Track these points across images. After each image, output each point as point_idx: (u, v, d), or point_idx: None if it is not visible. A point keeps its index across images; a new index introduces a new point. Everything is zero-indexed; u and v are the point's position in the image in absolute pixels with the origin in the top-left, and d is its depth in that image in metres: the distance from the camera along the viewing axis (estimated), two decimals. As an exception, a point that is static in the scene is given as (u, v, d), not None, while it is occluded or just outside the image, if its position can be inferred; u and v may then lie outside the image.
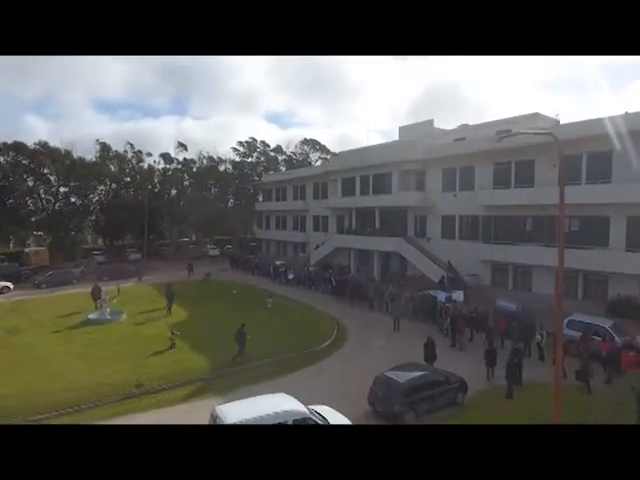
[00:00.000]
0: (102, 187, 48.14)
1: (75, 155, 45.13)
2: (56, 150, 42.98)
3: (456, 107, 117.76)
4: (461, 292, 20.92)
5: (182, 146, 55.03)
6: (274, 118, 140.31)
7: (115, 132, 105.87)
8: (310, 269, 31.77)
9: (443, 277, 24.07)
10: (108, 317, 21.27)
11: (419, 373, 12.13)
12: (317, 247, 37.39)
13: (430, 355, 14.51)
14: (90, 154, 47.70)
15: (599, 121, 19.94)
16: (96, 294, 24.09)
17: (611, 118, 19.42)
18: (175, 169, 55.07)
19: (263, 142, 61.01)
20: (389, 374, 11.87)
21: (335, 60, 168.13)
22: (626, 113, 19.39)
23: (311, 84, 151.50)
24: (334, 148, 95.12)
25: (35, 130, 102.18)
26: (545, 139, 21.82)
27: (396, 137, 37.93)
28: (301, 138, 64.00)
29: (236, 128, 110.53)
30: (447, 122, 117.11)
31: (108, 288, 25.81)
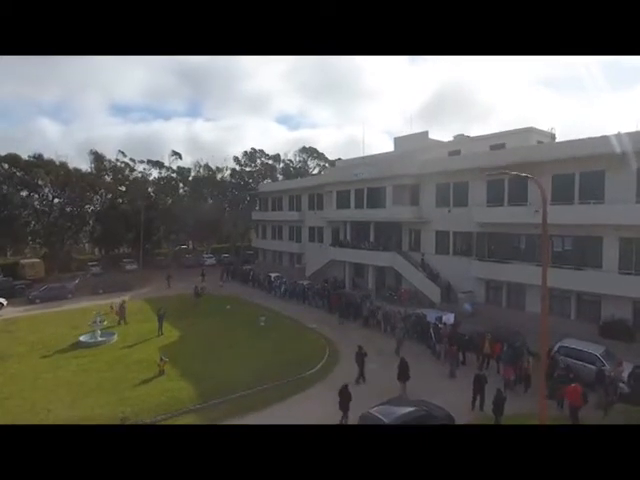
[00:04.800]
0: (97, 197, 48.08)
1: (70, 166, 45.27)
2: (50, 162, 42.98)
3: (463, 108, 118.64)
4: (452, 314, 20.73)
5: (176, 154, 55.35)
6: (284, 119, 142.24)
7: (126, 134, 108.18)
8: (305, 283, 31.58)
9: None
10: (99, 339, 21.14)
11: (405, 410, 11.94)
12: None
13: (403, 374, 14.99)
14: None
15: (590, 141, 19.85)
16: (122, 312, 24.98)
17: (602, 138, 19.32)
18: (170, 177, 55.16)
19: (261, 151, 61.14)
20: (374, 412, 11.70)
21: (345, 63, 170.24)
22: (618, 133, 19.24)
23: (322, 86, 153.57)
24: (342, 149, 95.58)
25: (46, 132, 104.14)
26: (537, 158, 21.86)
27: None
28: (309, 139, 64.74)
29: (246, 129, 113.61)
30: (453, 123, 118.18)
31: (101, 304, 25.94)
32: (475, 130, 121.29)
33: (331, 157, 62.79)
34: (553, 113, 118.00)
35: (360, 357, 16.34)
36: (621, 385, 12.48)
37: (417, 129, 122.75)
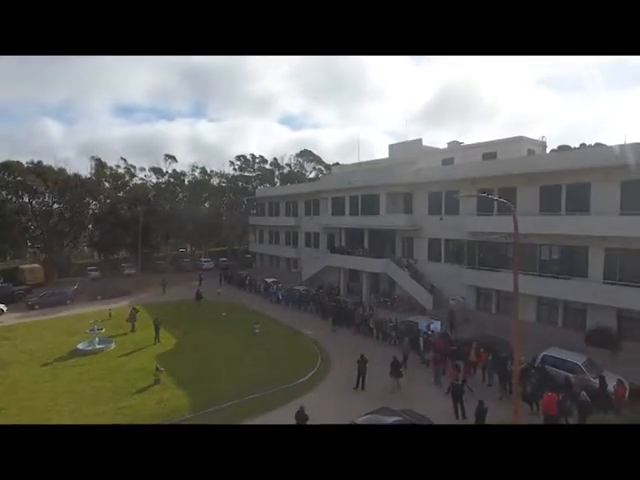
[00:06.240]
0: (96, 203, 48.63)
1: (69, 172, 45.84)
2: (50, 168, 43.50)
3: (465, 108, 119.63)
4: (438, 322, 21.21)
5: (171, 158, 56.09)
6: (287, 120, 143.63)
7: (130, 134, 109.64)
8: (300, 289, 32.07)
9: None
10: (97, 347, 21.57)
11: (390, 420, 12.40)
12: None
13: (395, 371, 16.42)
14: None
15: (576, 153, 20.37)
16: (133, 319, 25.32)
17: (588, 150, 19.81)
18: (167, 182, 55.73)
19: (261, 157, 61.76)
20: (360, 422, 12.15)
21: (348, 64, 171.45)
22: (603, 146, 19.72)
23: (325, 87, 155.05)
24: (344, 149, 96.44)
25: (50, 132, 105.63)
26: (525, 169, 22.38)
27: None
28: (312, 140, 65.52)
29: (249, 130, 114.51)
30: (456, 123, 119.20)
31: (101, 309, 26.30)
32: (477, 130, 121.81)
33: (334, 158, 63.79)
34: (556, 113, 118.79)
35: (362, 365, 16.89)
36: (583, 393, 12.94)
37: (420, 130, 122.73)
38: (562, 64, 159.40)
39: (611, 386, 13.74)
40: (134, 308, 26.56)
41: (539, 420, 13.02)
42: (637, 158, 17.55)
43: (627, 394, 13.22)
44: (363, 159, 39.90)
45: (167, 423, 14.11)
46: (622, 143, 19.51)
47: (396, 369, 16.55)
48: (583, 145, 46.52)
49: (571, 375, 14.98)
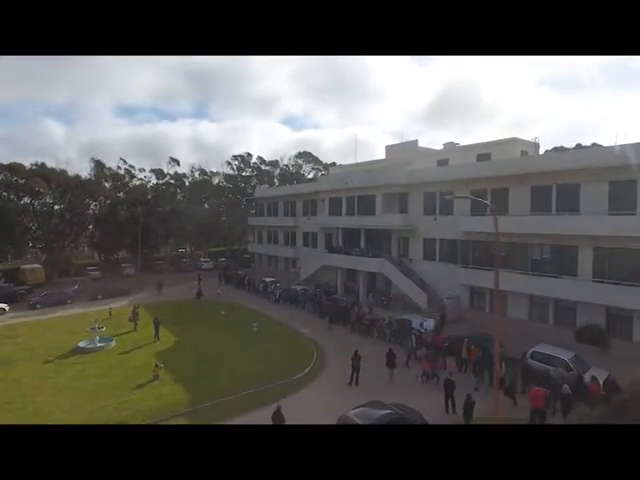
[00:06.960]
0: (96, 203, 49.13)
1: (71, 172, 46.37)
2: (52, 170, 44.06)
3: (467, 108, 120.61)
4: (431, 320, 21.65)
5: (174, 161, 56.56)
6: (288, 121, 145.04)
7: (132, 135, 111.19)
8: (298, 289, 32.53)
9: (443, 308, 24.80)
10: (98, 345, 22.02)
11: (381, 413, 12.82)
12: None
13: (391, 363, 17.34)
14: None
15: (566, 155, 20.81)
16: (135, 318, 25.77)
17: (577, 152, 20.25)
18: (168, 183, 56.23)
19: (260, 157, 62.29)
20: (351, 415, 12.57)
21: (351, 64, 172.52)
22: (592, 147, 20.17)
23: (327, 88, 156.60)
24: (345, 149, 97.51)
25: (52, 133, 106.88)
26: (517, 170, 22.84)
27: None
28: (313, 140, 66.32)
29: (251, 130, 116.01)
30: (457, 123, 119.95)
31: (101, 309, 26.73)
32: (478, 130, 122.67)
33: (335, 158, 64.62)
34: (556, 113, 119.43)
35: (356, 361, 17.34)
36: (565, 386, 13.39)
37: (421, 130, 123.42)
38: (562, 64, 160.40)
39: (587, 378, 14.29)
40: (135, 306, 26.98)
41: (521, 412, 13.47)
42: (625, 159, 18.02)
43: (601, 389, 13.72)
44: (365, 159, 40.50)
45: (166, 419, 14.59)
46: (612, 144, 20.01)
47: (391, 360, 17.28)
48: (579, 146, 47.00)
49: (552, 369, 15.45)
